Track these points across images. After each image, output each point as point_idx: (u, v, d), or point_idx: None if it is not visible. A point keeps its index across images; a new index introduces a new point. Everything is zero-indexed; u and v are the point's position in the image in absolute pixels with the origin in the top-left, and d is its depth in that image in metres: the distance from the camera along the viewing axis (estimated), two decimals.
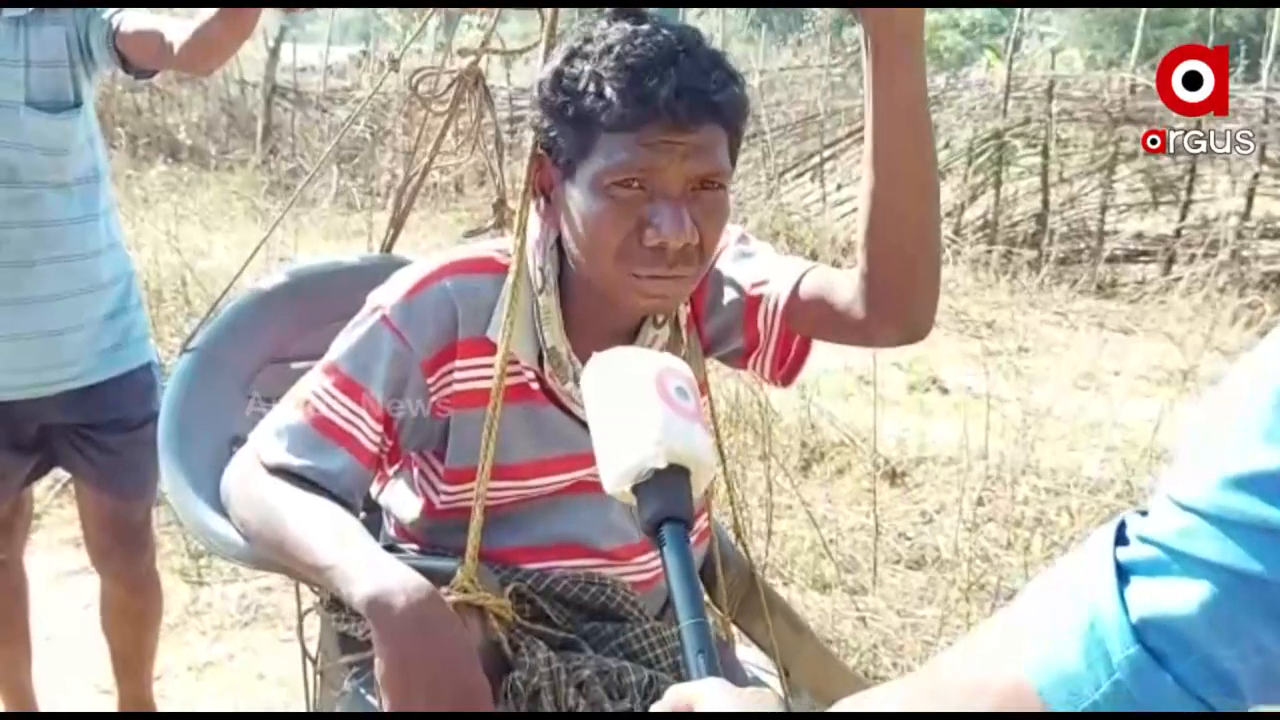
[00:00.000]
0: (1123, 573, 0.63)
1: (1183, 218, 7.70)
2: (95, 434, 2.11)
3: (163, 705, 2.44)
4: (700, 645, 0.84)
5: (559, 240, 1.21)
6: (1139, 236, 7.80)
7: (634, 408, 0.93)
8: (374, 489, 1.39)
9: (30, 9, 1.95)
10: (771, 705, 0.80)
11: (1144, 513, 0.65)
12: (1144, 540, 0.63)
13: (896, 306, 1.17)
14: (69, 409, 2.08)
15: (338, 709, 1.42)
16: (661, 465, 0.90)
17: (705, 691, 0.80)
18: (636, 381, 0.94)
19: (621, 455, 0.91)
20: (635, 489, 0.91)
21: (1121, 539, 0.65)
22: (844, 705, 0.77)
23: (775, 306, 1.25)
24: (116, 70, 2.04)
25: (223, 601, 3.09)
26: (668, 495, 0.90)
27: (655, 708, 0.83)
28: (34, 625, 2.37)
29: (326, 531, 1.12)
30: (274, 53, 10.88)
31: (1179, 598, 0.60)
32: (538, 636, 1.21)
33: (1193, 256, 7.11)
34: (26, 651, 2.35)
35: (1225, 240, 7.09)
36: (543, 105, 1.16)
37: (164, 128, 11.31)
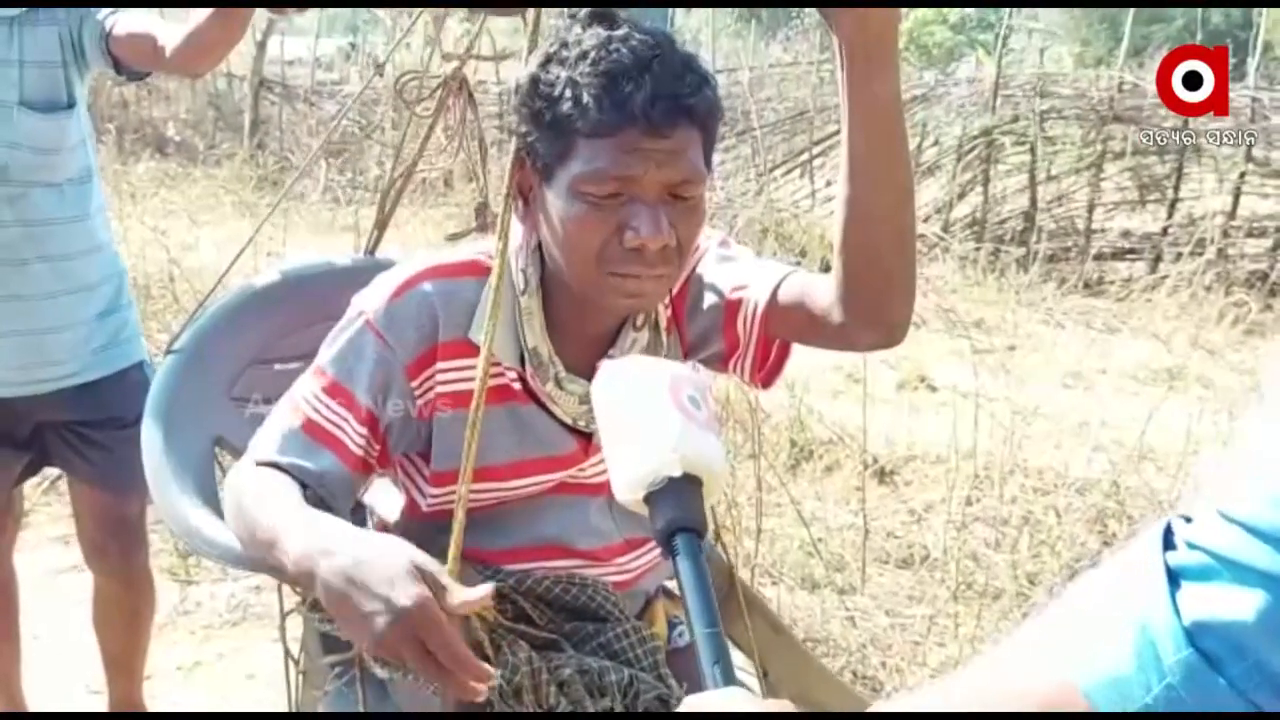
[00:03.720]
0: (1173, 577, 0.63)
1: (1170, 216, 7.73)
2: (89, 431, 2.12)
3: (151, 706, 2.44)
4: (716, 655, 0.83)
5: (540, 243, 1.22)
6: (1126, 234, 7.82)
7: (648, 415, 0.92)
8: (360, 492, 1.39)
9: (24, 9, 1.96)
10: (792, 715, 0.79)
11: (1188, 519, 0.65)
12: (1193, 547, 0.63)
13: (873, 310, 1.17)
14: (62, 407, 2.09)
15: (320, 709, 1.42)
16: (676, 474, 0.89)
17: (727, 701, 0.79)
18: (650, 389, 0.94)
19: (635, 463, 0.91)
20: (647, 498, 0.90)
21: (1169, 544, 0.65)
22: (880, 708, 0.77)
23: (755, 311, 1.26)
24: (109, 71, 2.04)
25: (212, 601, 3.08)
26: (682, 504, 0.89)
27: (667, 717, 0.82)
28: (21, 624, 2.37)
29: (285, 511, 1.11)
30: (261, 46, 10.83)
31: (1233, 604, 0.60)
32: (519, 636, 1.22)
33: (1179, 255, 7.12)
34: (16, 650, 2.35)
35: (1212, 239, 7.11)
36: (520, 110, 1.17)
37: (151, 122, 11.28)
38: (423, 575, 0.97)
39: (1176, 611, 0.62)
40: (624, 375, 0.98)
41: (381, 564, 0.97)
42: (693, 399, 0.95)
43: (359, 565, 0.98)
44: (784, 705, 0.80)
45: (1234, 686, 0.61)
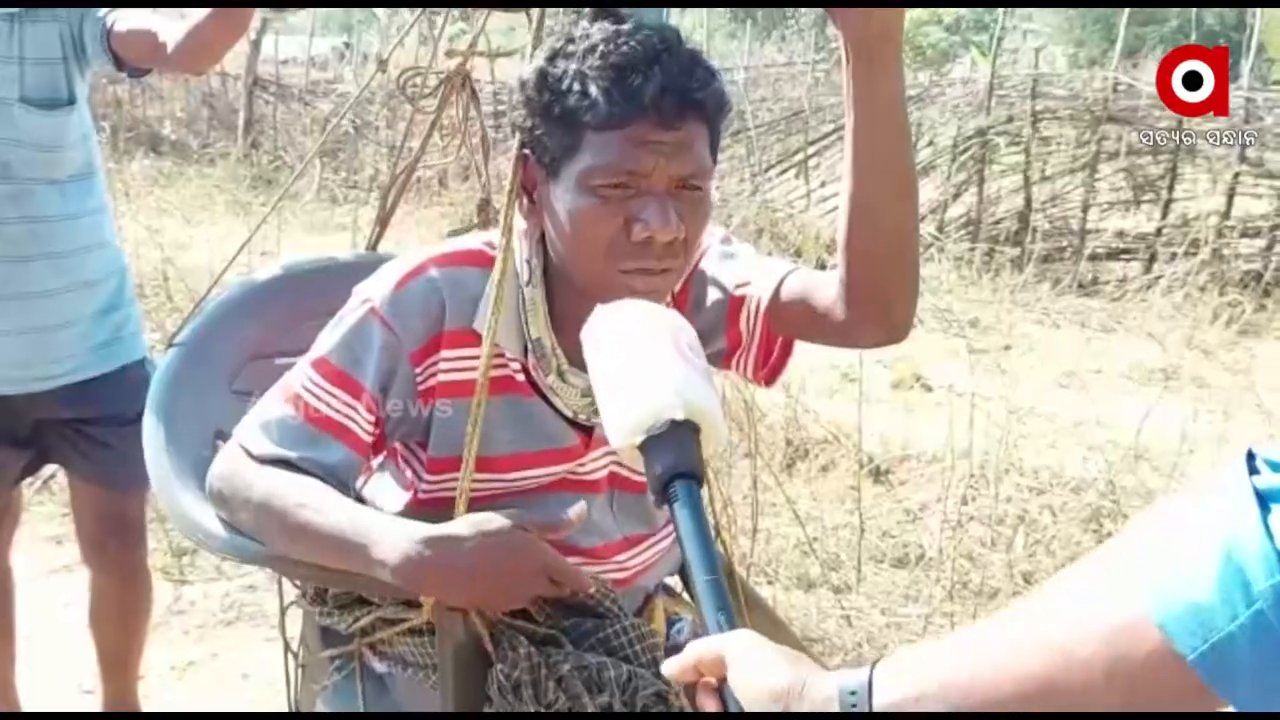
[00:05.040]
0: (1263, 500, 0.59)
1: (1164, 216, 7.73)
2: (89, 429, 2.11)
3: (145, 705, 2.42)
4: (719, 603, 0.82)
5: (543, 237, 1.22)
6: (1121, 235, 7.83)
7: (650, 358, 0.92)
8: (358, 481, 1.39)
9: (24, 7, 1.95)
10: (812, 663, 0.77)
11: (1259, 453, 0.61)
12: None
13: (876, 307, 1.17)
14: (63, 404, 2.08)
15: (319, 703, 1.42)
16: (679, 417, 0.88)
17: (739, 644, 0.78)
18: (651, 333, 0.94)
19: (635, 405, 0.90)
20: (645, 443, 0.89)
21: (1253, 469, 0.61)
22: (898, 662, 0.73)
23: (757, 308, 1.26)
24: (109, 68, 2.04)
25: (206, 600, 3.07)
26: (681, 450, 0.88)
27: (673, 662, 0.81)
28: (15, 624, 2.36)
29: (341, 512, 1.16)
30: (255, 45, 10.83)
31: None
32: (518, 631, 1.23)
33: (1174, 255, 7.14)
34: (11, 650, 2.34)
35: (1206, 239, 7.12)
36: (527, 104, 1.17)
37: (145, 120, 11.26)
38: (519, 523, 1.11)
39: (1269, 535, 0.58)
40: (622, 318, 0.98)
41: (485, 534, 1.11)
42: (691, 346, 0.95)
43: (470, 544, 1.10)
44: (798, 654, 0.78)
45: None
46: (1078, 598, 0.66)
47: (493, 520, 1.12)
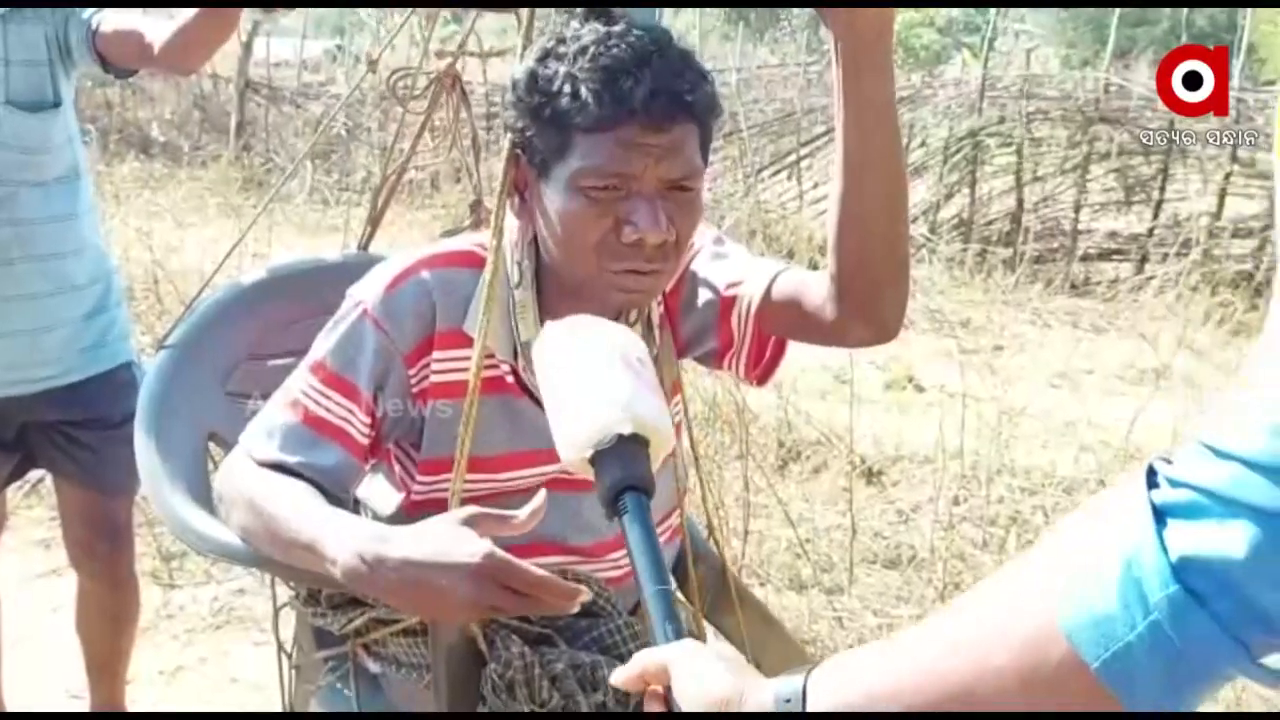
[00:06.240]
0: (1159, 515, 0.62)
1: (1155, 217, 7.75)
2: (76, 432, 2.10)
3: (133, 710, 2.41)
4: (666, 613, 0.84)
5: (535, 238, 1.22)
6: (1112, 235, 7.84)
7: (598, 374, 0.93)
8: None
9: (8, 8, 1.94)
10: (752, 671, 0.80)
11: (1168, 460, 0.64)
12: (1179, 484, 0.62)
13: (867, 307, 1.18)
14: (49, 408, 2.07)
15: (312, 703, 1.42)
16: (626, 431, 0.89)
17: (681, 653, 0.80)
18: (598, 349, 0.95)
19: (584, 420, 0.91)
20: (594, 458, 0.90)
21: (1152, 484, 0.64)
22: (832, 668, 0.76)
23: (749, 308, 1.26)
24: (95, 70, 2.03)
25: (194, 604, 3.06)
26: (629, 463, 0.89)
27: (620, 672, 0.83)
28: (1, 628, 2.34)
29: (308, 510, 1.13)
30: (247, 47, 10.78)
31: (1221, 539, 0.59)
32: (512, 631, 1.23)
33: (1165, 255, 7.15)
34: None
35: (1197, 239, 7.14)
36: (517, 105, 1.16)
37: (135, 123, 11.21)
38: (471, 524, 1.01)
39: (1163, 548, 0.61)
40: (570, 335, 0.98)
41: (431, 539, 1.01)
42: (640, 359, 0.96)
43: (414, 550, 1.01)
44: (733, 653, 0.79)
45: (1220, 623, 0.60)
46: (994, 607, 0.70)
47: (429, 532, 1.03)
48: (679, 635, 0.82)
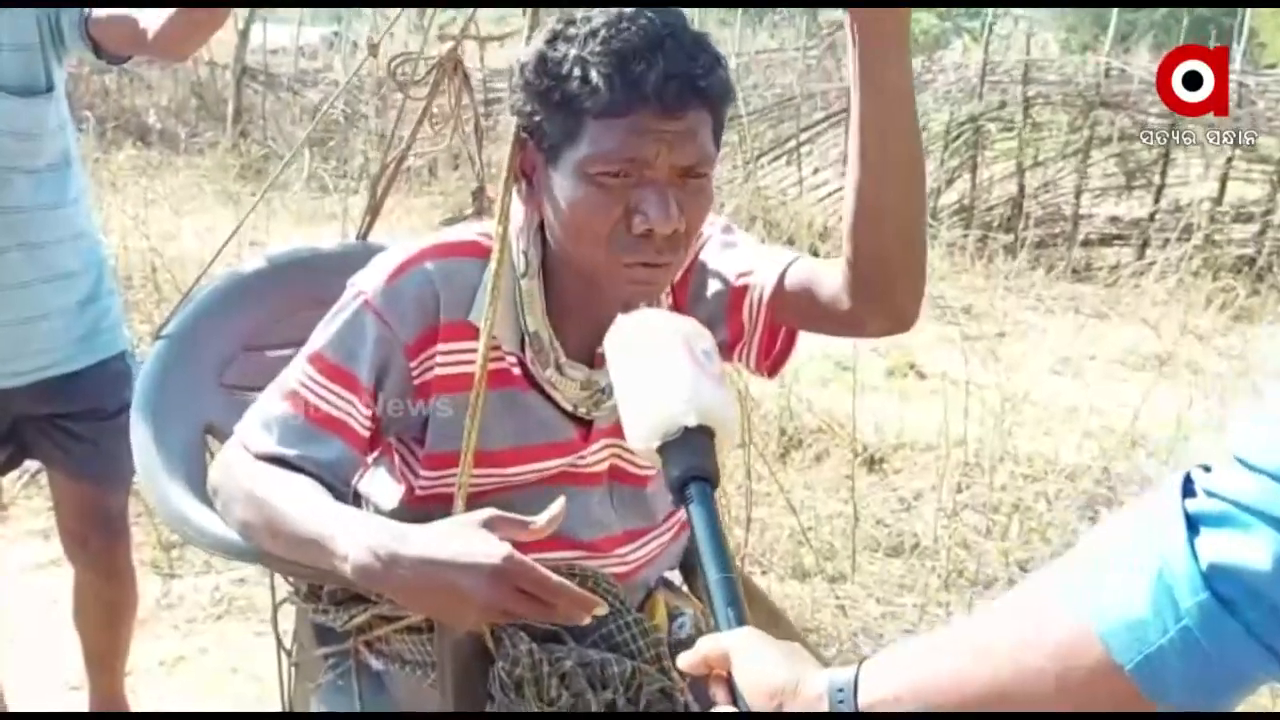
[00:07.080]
0: (1192, 523, 0.65)
1: (1157, 202, 7.73)
2: (70, 423, 2.08)
3: (133, 701, 2.39)
4: (730, 599, 0.86)
5: (542, 224, 1.20)
6: (1114, 220, 7.82)
7: (665, 367, 0.96)
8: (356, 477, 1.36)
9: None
10: (809, 659, 0.82)
11: (1207, 468, 0.66)
12: (1212, 495, 0.64)
13: (884, 297, 1.16)
14: (42, 399, 2.05)
15: (313, 701, 1.40)
16: (691, 423, 0.92)
17: (741, 641, 0.83)
18: (665, 342, 0.97)
19: (652, 412, 0.94)
20: (662, 448, 0.93)
21: (1188, 492, 0.66)
22: (883, 661, 0.79)
23: (761, 298, 1.25)
24: (88, 55, 2.00)
25: (195, 594, 3.04)
26: (695, 454, 0.92)
27: (684, 657, 0.86)
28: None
29: (315, 506, 1.11)
30: (244, 34, 10.74)
31: (1251, 549, 0.62)
32: (520, 628, 1.20)
33: (1166, 241, 7.13)
34: None
35: (1199, 224, 7.12)
36: (526, 89, 1.14)
37: (132, 110, 11.17)
38: (490, 526, 1.01)
39: (1194, 556, 0.64)
40: (640, 328, 1.00)
41: (450, 539, 1.00)
42: (706, 353, 0.98)
43: (432, 549, 0.99)
44: (796, 648, 0.83)
45: (1249, 630, 0.62)
46: (1032, 609, 0.72)
47: (447, 531, 1.01)
48: (741, 622, 0.85)
